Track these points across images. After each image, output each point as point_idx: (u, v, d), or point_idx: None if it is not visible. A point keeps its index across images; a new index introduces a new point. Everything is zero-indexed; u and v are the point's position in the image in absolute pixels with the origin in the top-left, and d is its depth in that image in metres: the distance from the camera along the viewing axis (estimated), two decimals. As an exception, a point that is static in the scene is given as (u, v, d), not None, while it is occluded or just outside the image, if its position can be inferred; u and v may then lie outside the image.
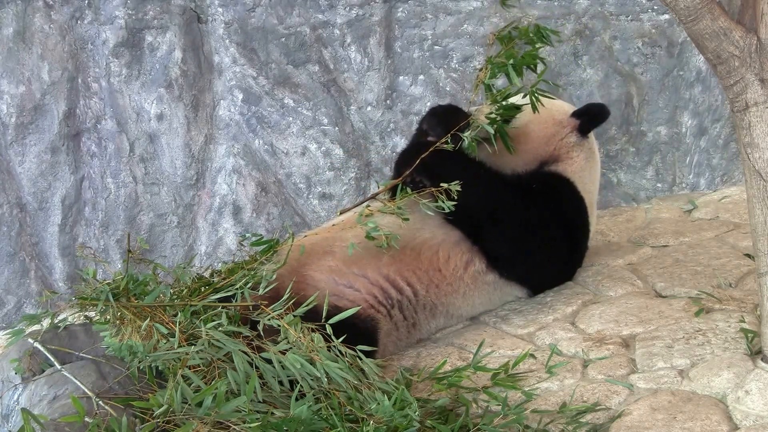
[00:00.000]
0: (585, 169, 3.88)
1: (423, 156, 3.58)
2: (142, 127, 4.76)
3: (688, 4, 2.79)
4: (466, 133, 3.65)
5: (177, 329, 2.94)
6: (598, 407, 3.00)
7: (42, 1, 4.71)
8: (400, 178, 3.63)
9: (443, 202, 3.47)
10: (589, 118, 3.85)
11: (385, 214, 3.57)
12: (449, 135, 3.61)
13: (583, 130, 3.85)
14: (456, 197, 3.44)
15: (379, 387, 2.97)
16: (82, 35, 4.74)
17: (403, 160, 3.71)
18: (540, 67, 3.78)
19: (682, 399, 2.97)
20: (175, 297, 3.24)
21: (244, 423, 2.66)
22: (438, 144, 3.61)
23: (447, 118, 3.72)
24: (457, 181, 3.43)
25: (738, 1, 2.88)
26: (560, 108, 3.88)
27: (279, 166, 4.81)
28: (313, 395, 2.87)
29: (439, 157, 3.61)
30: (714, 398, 2.97)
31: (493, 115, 3.71)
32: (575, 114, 3.86)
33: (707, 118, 4.83)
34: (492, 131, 3.66)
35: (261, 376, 2.88)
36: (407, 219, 3.54)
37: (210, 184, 4.82)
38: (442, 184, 3.46)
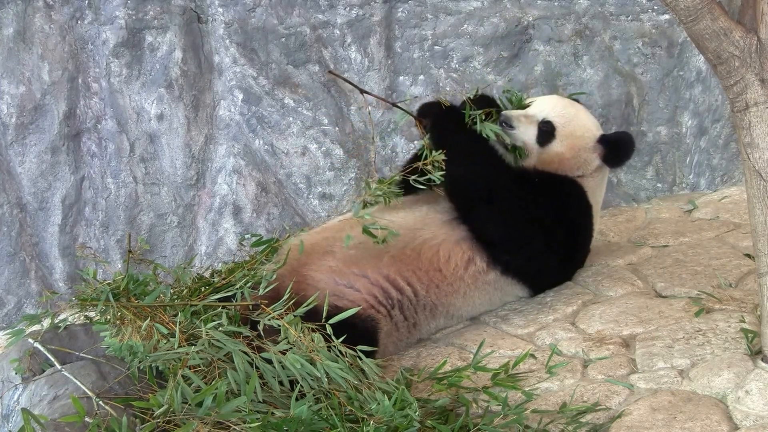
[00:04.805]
0: (598, 185, 3.92)
1: (438, 116, 3.67)
2: (143, 127, 4.77)
3: (688, 5, 2.79)
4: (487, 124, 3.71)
5: (177, 329, 2.94)
6: (598, 407, 3.00)
7: (42, 1, 4.71)
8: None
9: (432, 174, 3.49)
10: (617, 152, 3.85)
11: (383, 212, 3.57)
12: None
13: (608, 162, 3.88)
14: (454, 172, 3.51)
15: (380, 387, 2.98)
16: (83, 35, 4.74)
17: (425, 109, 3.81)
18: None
19: (682, 399, 2.97)
20: (175, 297, 3.24)
21: (245, 423, 2.66)
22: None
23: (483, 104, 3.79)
24: (443, 151, 3.50)
25: (738, 1, 2.88)
26: (591, 133, 3.86)
27: (279, 166, 4.81)
28: (314, 395, 2.87)
29: (449, 125, 3.65)
30: (714, 398, 2.97)
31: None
32: (603, 141, 3.86)
33: (707, 118, 4.83)
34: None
35: (261, 376, 2.88)
36: (400, 194, 3.59)
37: (210, 184, 4.82)
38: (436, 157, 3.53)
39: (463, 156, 3.61)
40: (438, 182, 3.50)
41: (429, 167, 3.51)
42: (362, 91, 3.96)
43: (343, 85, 4.77)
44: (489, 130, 3.66)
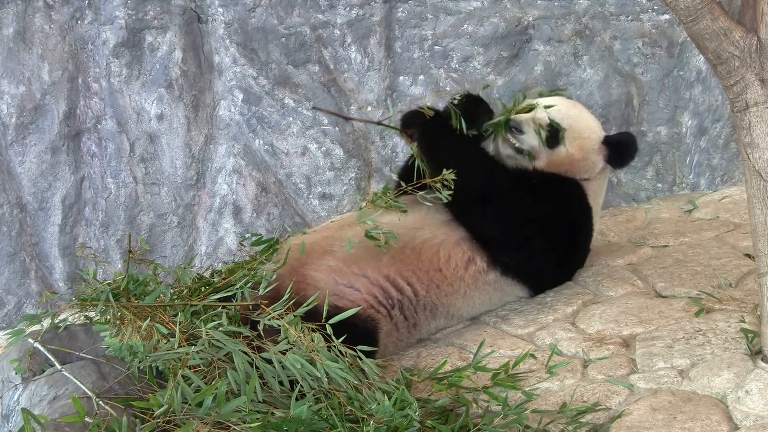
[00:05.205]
0: (600, 187, 3.93)
1: (425, 125, 3.67)
2: (143, 127, 4.76)
3: (688, 5, 2.79)
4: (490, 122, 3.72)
5: (177, 329, 2.94)
6: (598, 407, 3.00)
7: (42, 1, 4.71)
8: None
9: (440, 192, 3.50)
10: (621, 153, 3.87)
11: (384, 213, 3.57)
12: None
13: (612, 163, 3.89)
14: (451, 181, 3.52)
15: (380, 387, 2.98)
16: (83, 35, 4.74)
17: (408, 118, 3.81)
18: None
19: (682, 399, 2.97)
20: (175, 297, 3.24)
21: (245, 423, 2.66)
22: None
23: (471, 105, 3.78)
24: (452, 169, 3.50)
25: (738, 1, 2.88)
26: (596, 134, 3.87)
27: (279, 166, 4.81)
28: (314, 395, 2.87)
29: (438, 132, 3.66)
30: (714, 398, 2.97)
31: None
32: (607, 142, 3.87)
33: (707, 118, 4.83)
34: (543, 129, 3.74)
35: (261, 376, 2.88)
36: (405, 211, 3.57)
37: (210, 184, 4.82)
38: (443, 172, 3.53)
39: (457, 160, 3.59)
40: (445, 201, 3.52)
41: (438, 185, 3.52)
42: (346, 119, 4.00)
43: (343, 85, 4.77)
44: (499, 138, 3.70)
